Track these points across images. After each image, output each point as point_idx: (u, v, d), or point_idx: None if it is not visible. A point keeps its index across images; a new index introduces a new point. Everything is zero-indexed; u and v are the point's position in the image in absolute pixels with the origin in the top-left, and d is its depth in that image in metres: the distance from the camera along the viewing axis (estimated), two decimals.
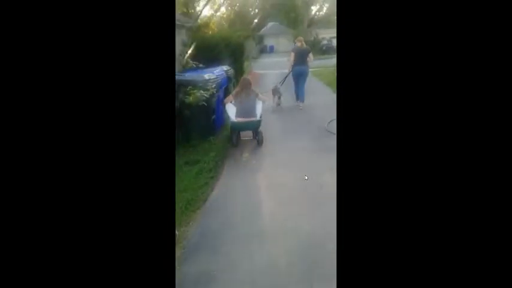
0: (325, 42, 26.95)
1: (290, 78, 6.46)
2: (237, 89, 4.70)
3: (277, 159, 4.02)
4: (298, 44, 6.16)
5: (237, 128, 4.52)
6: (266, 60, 23.06)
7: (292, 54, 6.09)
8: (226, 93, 5.37)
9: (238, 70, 8.43)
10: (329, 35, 29.58)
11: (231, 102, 4.72)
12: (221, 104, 5.02)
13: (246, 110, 4.41)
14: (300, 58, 6.05)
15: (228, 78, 5.81)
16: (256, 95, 4.66)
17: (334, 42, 27.31)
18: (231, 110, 4.59)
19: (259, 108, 4.58)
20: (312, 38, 25.99)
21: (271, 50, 32.52)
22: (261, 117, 4.45)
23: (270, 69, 15.30)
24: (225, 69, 5.98)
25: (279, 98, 6.26)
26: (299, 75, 6.18)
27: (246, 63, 14.91)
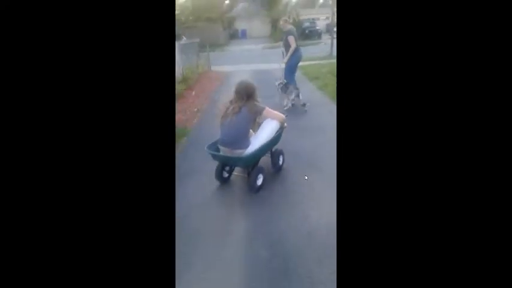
0: (307, 24, 22.29)
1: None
2: (232, 99, 2.50)
3: None
4: (289, 27, 5.18)
5: (217, 160, 2.57)
6: (237, 48, 18.96)
7: (292, 38, 4.93)
8: None
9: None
10: (311, 15, 25.44)
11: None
12: None
13: (230, 136, 2.44)
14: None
15: None
16: (259, 112, 2.46)
17: (318, 24, 23.17)
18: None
19: (262, 135, 2.52)
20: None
21: (243, 35, 28.24)
22: (261, 149, 2.47)
23: (242, 60, 11.54)
24: None
25: (297, 95, 4.75)
26: (297, 63, 5.23)
27: (202, 55, 10.66)
